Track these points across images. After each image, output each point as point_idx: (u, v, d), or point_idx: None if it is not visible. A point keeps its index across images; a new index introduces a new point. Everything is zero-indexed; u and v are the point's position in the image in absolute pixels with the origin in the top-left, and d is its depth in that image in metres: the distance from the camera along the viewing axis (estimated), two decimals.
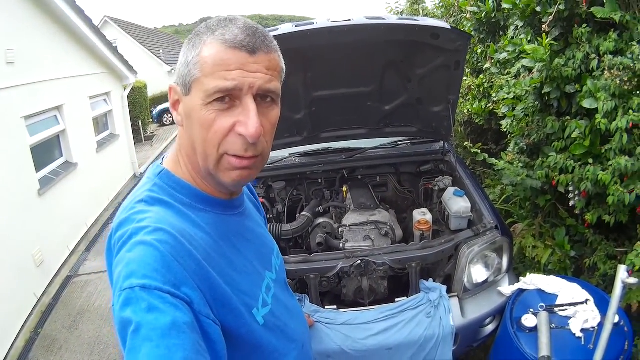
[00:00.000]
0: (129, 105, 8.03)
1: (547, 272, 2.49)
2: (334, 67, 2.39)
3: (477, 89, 4.00)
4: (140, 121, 11.53)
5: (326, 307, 2.00)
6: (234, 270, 0.78)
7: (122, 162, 7.56)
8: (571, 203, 2.40)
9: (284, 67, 0.77)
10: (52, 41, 5.16)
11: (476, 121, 4.05)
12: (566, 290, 1.90)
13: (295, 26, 2.12)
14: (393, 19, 2.34)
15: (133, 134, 8.23)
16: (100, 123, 6.87)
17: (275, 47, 0.74)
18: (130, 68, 7.39)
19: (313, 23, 2.14)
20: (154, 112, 15.69)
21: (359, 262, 1.97)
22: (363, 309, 1.98)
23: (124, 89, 7.57)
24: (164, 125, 15.90)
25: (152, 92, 15.70)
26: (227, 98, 0.69)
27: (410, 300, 1.95)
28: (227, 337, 0.69)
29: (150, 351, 0.56)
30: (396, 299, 1.99)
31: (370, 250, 2.08)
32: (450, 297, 2.00)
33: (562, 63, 2.19)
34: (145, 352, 0.56)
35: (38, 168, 4.46)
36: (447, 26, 2.19)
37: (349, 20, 2.08)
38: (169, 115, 16.08)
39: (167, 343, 0.56)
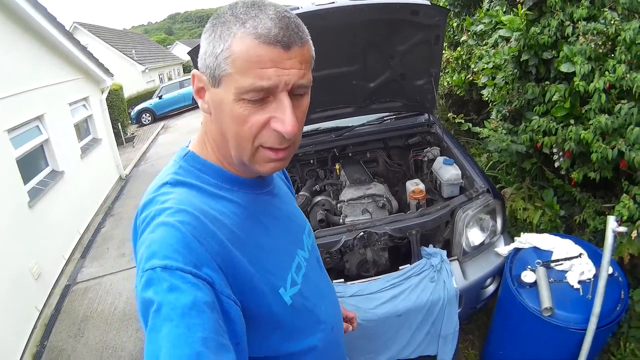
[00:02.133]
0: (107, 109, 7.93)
1: (539, 232, 2.57)
2: (320, 49, 2.41)
3: (455, 62, 4.09)
4: (119, 123, 11.37)
5: (334, 281, 2.05)
6: (261, 249, 0.78)
7: (107, 165, 7.49)
8: (556, 164, 2.50)
9: (314, 54, 0.75)
10: (27, 51, 5.06)
11: (457, 93, 4.15)
12: (560, 246, 1.99)
13: None
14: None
15: (114, 136, 8.14)
16: (82, 129, 6.77)
17: (307, 36, 0.71)
18: (106, 71, 7.28)
19: (298, 8, 2.17)
20: (132, 113, 15.51)
21: (362, 233, 2.05)
22: (370, 280, 2.05)
23: (102, 93, 7.47)
24: (143, 125, 15.71)
25: (128, 93, 15.51)
26: (262, 94, 0.67)
27: (413, 267, 2.04)
28: (247, 317, 0.69)
29: (170, 330, 0.56)
30: (400, 267, 2.07)
31: (371, 222, 2.15)
32: (450, 260, 2.10)
33: (538, 31, 2.28)
34: (166, 332, 0.56)
35: (26, 180, 4.40)
36: (426, 2, 2.25)
37: (333, 2, 2.12)
38: (148, 114, 15.89)
39: (187, 322, 0.57)
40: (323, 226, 2.37)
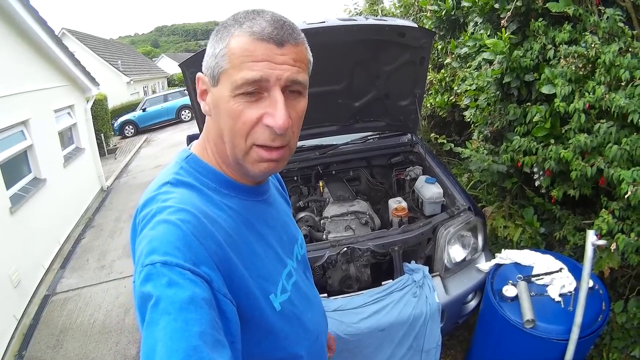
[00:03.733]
0: None
1: (519, 249, 2.63)
2: None
3: (439, 83, 4.18)
4: (102, 134, 11.26)
5: None
6: (254, 255, 0.79)
7: (89, 176, 7.40)
8: (536, 183, 2.57)
9: (312, 59, 0.77)
10: (15, 53, 5.04)
11: (439, 114, 4.24)
12: (540, 261, 2.05)
13: None
14: (364, 20, 2.46)
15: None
16: (65, 137, 6.70)
17: (303, 39, 0.74)
18: (92, 80, 7.25)
19: None
20: (115, 125, 15.34)
21: (345, 249, 2.07)
22: (352, 295, 2.06)
23: (87, 102, 7.41)
24: (125, 137, 15.59)
25: (112, 104, 15.37)
26: (255, 90, 0.69)
27: (396, 282, 2.06)
28: (241, 320, 0.70)
29: (168, 324, 0.56)
30: (383, 283, 2.09)
31: (355, 237, 2.18)
32: (432, 276, 2.13)
33: (521, 54, 2.36)
34: (163, 325, 0.57)
35: (8, 185, 4.34)
36: (413, 25, 2.33)
37: (323, 22, 2.18)
38: (131, 127, 15.79)
39: (185, 317, 0.57)
40: (307, 242, 2.38)
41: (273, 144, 0.73)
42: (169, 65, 34.19)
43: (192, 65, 2.16)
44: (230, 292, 0.68)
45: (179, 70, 31.92)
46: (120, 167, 10.04)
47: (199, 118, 2.45)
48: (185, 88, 19.67)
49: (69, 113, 6.80)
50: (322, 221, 2.49)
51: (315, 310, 0.99)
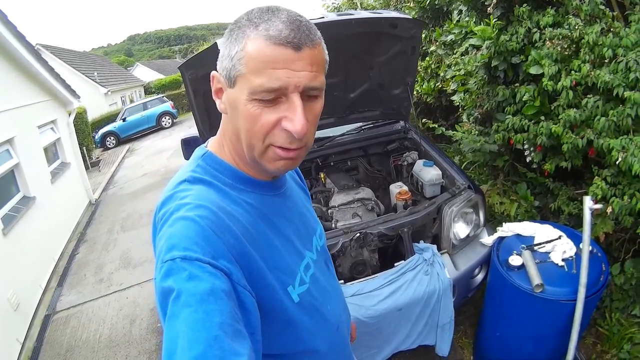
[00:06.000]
0: None
1: (517, 222, 2.77)
2: None
3: (424, 71, 4.29)
4: (84, 147, 11.08)
5: None
6: (272, 248, 0.80)
7: (77, 190, 7.32)
8: (528, 159, 2.69)
9: (328, 57, 0.77)
10: None
11: (426, 100, 4.35)
12: (541, 231, 2.15)
13: None
14: (360, 14, 2.54)
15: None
16: (50, 152, 6.60)
17: (320, 38, 0.73)
18: (73, 93, 7.15)
19: None
20: (96, 137, 15.17)
21: (358, 234, 2.14)
22: (367, 279, 2.13)
23: (69, 115, 7.31)
24: (107, 148, 15.41)
25: (91, 116, 15.16)
26: (273, 94, 0.69)
27: (408, 262, 2.14)
28: (260, 312, 0.70)
29: (189, 316, 0.57)
30: (395, 264, 2.17)
31: (365, 223, 2.25)
32: (441, 254, 2.23)
33: (507, 39, 2.47)
34: (184, 317, 0.58)
35: None
36: (406, 16, 2.41)
37: (322, 17, 2.24)
38: (112, 138, 15.61)
39: (205, 308, 0.58)
40: None
41: (291, 146, 0.73)
42: (145, 73, 33.72)
43: (191, 67, 2.20)
44: (249, 285, 0.70)
45: (155, 78, 31.47)
46: (106, 178, 9.93)
47: (198, 118, 2.46)
48: (163, 94, 19.51)
49: (52, 128, 6.71)
50: (329, 211, 2.55)
51: (335, 301, 1.00)
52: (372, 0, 5.77)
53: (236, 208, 0.76)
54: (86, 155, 11.24)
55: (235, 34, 0.71)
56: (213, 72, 0.77)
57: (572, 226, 2.41)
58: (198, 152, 0.86)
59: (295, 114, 0.70)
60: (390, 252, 2.46)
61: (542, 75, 2.31)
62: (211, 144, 0.86)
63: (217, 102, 0.79)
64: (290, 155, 0.75)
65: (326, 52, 0.76)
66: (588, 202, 1.76)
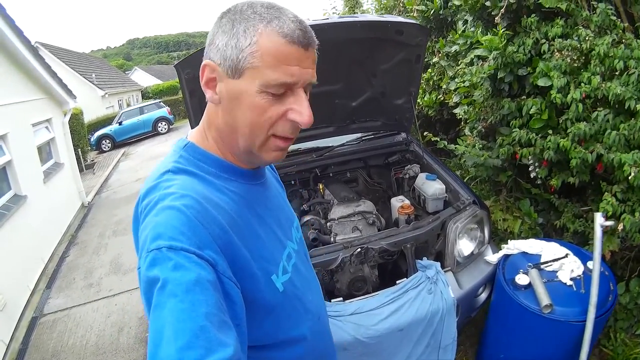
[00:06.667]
0: None
1: (521, 240, 2.69)
2: None
3: (426, 83, 4.23)
4: (79, 149, 10.97)
5: (332, 300, 2.02)
6: (256, 237, 0.81)
7: (69, 192, 7.19)
8: (532, 175, 2.61)
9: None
10: None
11: (427, 113, 4.29)
12: (547, 249, 2.09)
13: None
14: (366, 17, 2.47)
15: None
16: (44, 152, 6.49)
17: (316, 39, 0.78)
18: (69, 92, 7.06)
19: None
20: (92, 139, 15.05)
21: (359, 249, 2.04)
22: (368, 297, 2.03)
23: (65, 115, 7.20)
24: (103, 151, 15.29)
25: (88, 118, 15.03)
26: (284, 89, 0.73)
27: (410, 280, 2.04)
28: (245, 302, 0.71)
29: (175, 306, 0.57)
30: (397, 281, 2.07)
31: (366, 238, 2.15)
32: (445, 271, 2.13)
33: (515, 50, 2.41)
34: (170, 307, 0.57)
35: None
36: (412, 21, 2.34)
37: (327, 19, 2.17)
38: (108, 141, 15.51)
39: (191, 298, 0.58)
40: (316, 245, 2.32)
41: (291, 136, 0.78)
42: (143, 78, 33.68)
43: (187, 66, 2.11)
44: (234, 275, 0.70)
45: (152, 83, 31.44)
46: (100, 182, 9.80)
47: (192, 119, 2.32)
48: (160, 100, 19.43)
49: (47, 127, 6.60)
50: (328, 223, 2.46)
51: (315, 291, 1.02)
52: (373, 11, 5.72)
53: (221, 196, 0.77)
54: (81, 157, 11.12)
55: (242, 25, 0.72)
56: (206, 61, 0.77)
57: (576, 244, 2.34)
58: (179, 143, 0.86)
59: (303, 107, 0.75)
60: (389, 268, 2.37)
61: (550, 87, 2.25)
62: (192, 135, 0.87)
63: (209, 92, 0.79)
64: (286, 145, 0.80)
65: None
66: (599, 219, 1.71)
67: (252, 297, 0.75)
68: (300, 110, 0.75)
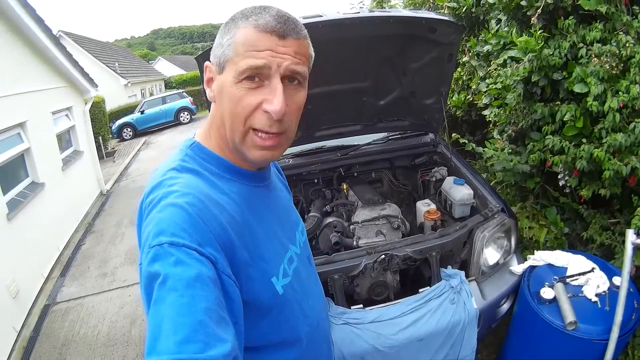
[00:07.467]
0: None
1: (545, 249, 2.60)
2: (332, 62, 2.31)
3: (455, 83, 4.11)
4: (100, 137, 11.10)
5: (352, 307, 1.96)
6: (257, 238, 0.81)
7: (88, 179, 7.25)
8: (561, 183, 2.51)
9: (313, 54, 0.82)
10: (11, 52, 4.88)
11: (455, 113, 4.18)
12: (573, 262, 2.01)
13: (303, 19, 2.03)
14: (399, 12, 2.38)
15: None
16: (64, 140, 6.56)
17: (305, 34, 0.79)
18: (90, 81, 7.11)
19: (322, 16, 2.08)
20: (113, 127, 15.21)
21: (383, 256, 1.97)
22: (389, 304, 1.97)
23: (86, 103, 7.26)
24: (124, 140, 15.44)
25: (110, 106, 15.19)
26: (257, 78, 0.74)
27: (433, 289, 1.98)
28: (242, 301, 0.72)
29: (175, 300, 0.58)
30: (420, 290, 2.00)
31: (391, 244, 2.08)
32: (469, 281, 2.06)
33: (550, 52, 2.31)
34: (170, 302, 0.58)
35: (5, 190, 4.20)
36: (447, 18, 2.25)
37: (358, 13, 2.10)
38: (129, 129, 15.68)
39: (192, 293, 0.59)
40: (338, 249, 2.25)
41: (270, 130, 0.76)
42: (166, 68, 33.90)
43: (207, 58, 2.04)
44: (233, 274, 0.71)
45: (176, 73, 31.69)
46: (120, 170, 9.88)
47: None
48: (183, 90, 19.53)
49: (67, 115, 6.66)
50: (352, 227, 2.38)
51: (316, 297, 1.02)
52: (402, 5, 5.56)
53: (223, 197, 0.78)
54: (102, 145, 11.26)
55: (228, 26, 0.77)
56: (207, 63, 0.82)
57: (601, 256, 2.25)
58: (186, 142, 0.88)
59: (275, 96, 0.73)
60: (411, 274, 2.30)
61: (585, 94, 2.15)
62: (198, 135, 0.89)
63: (207, 91, 0.83)
64: (267, 143, 0.78)
65: (312, 49, 0.82)
66: (631, 236, 1.63)
67: (249, 297, 0.75)
68: (271, 99, 0.74)
